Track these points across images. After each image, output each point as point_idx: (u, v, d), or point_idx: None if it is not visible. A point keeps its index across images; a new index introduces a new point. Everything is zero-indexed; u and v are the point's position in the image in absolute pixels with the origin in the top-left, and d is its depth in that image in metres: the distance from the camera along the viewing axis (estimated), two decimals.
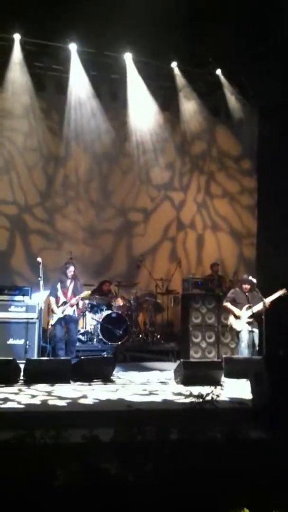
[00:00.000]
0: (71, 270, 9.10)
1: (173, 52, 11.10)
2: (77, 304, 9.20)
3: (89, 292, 9.47)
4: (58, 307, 8.94)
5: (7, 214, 11.17)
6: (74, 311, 9.05)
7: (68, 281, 9.08)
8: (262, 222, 12.32)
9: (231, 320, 8.99)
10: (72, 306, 8.97)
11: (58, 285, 9.01)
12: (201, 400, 4.63)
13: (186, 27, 9.61)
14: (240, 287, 9.04)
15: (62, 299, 8.98)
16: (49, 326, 9.03)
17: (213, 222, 12.68)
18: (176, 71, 11.62)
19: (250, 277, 9.04)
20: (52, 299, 9.00)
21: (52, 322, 8.96)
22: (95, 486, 3.55)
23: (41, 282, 8.64)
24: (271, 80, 10.64)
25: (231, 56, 10.82)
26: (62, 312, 8.91)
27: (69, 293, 9.02)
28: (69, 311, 8.95)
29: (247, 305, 8.80)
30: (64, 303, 8.94)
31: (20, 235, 11.22)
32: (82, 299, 9.50)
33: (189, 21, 9.55)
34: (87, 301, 10.12)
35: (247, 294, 8.93)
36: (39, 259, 8.85)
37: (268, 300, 8.69)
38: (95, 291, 10.46)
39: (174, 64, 11.55)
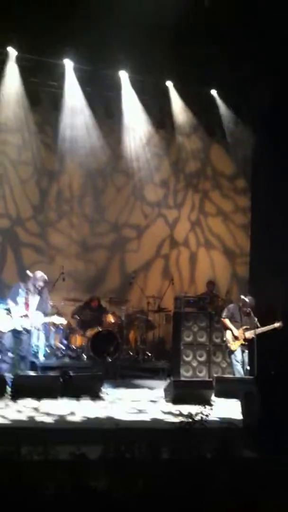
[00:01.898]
0: (41, 283, 8.38)
1: (168, 70, 11.17)
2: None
3: (65, 321, 8.97)
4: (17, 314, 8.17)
5: None
6: (31, 325, 8.33)
7: (35, 292, 8.35)
8: (255, 241, 12.31)
9: (228, 337, 8.94)
10: (34, 322, 8.28)
11: (22, 292, 8.21)
12: (190, 419, 4.58)
13: (181, 46, 9.71)
14: (239, 306, 9.00)
15: (22, 310, 8.18)
16: None
17: (207, 241, 12.68)
18: (171, 89, 11.68)
19: (250, 299, 8.97)
20: (12, 304, 8.24)
21: (3, 328, 8.23)
22: (83, 504, 3.49)
23: (24, 300, 8.20)
24: (266, 99, 10.75)
25: (226, 76, 10.93)
26: (20, 325, 8.16)
27: (33, 307, 8.27)
28: (26, 324, 8.20)
29: (244, 327, 8.79)
30: (25, 316, 8.16)
31: (12, 249, 11.15)
32: (54, 324, 9.14)
33: (185, 40, 9.64)
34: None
35: (244, 314, 8.90)
36: (28, 273, 8.63)
37: (261, 330, 8.74)
38: (84, 307, 10.37)
39: (169, 83, 11.62)
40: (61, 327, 9.93)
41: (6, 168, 11.16)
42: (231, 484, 3.86)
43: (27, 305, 8.20)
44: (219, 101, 12.03)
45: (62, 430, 5.87)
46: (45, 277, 8.55)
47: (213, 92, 11.91)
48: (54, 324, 9.85)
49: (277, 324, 8.82)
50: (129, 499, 3.57)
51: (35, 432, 5.66)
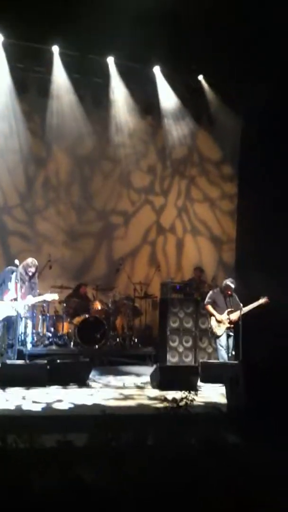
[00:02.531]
0: (33, 269, 8.49)
1: (155, 56, 11.11)
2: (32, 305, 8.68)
3: (57, 297, 8.99)
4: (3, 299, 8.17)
5: None
6: (24, 311, 8.42)
7: (26, 277, 8.44)
8: (241, 227, 12.40)
9: (212, 323, 9.03)
10: (26, 304, 8.36)
11: (13, 276, 8.22)
12: (175, 405, 4.64)
13: (169, 31, 9.65)
14: (221, 290, 9.09)
15: (12, 293, 8.16)
16: None
17: (193, 227, 12.73)
18: (159, 75, 11.64)
19: (233, 281, 9.08)
20: None
21: None
22: (70, 492, 3.54)
23: (18, 285, 8.26)
24: (255, 86, 10.75)
25: (214, 62, 10.89)
26: (14, 309, 8.13)
27: (23, 291, 8.31)
28: (20, 309, 8.24)
29: (228, 310, 8.86)
30: (15, 299, 8.15)
31: None
32: (46, 302, 9.18)
33: (173, 26, 9.60)
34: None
35: (227, 298, 8.99)
36: (16, 262, 8.64)
37: (247, 308, 8.80)
38: (71, 295, 10.42)
39: (156, 69, 11.58)
40: (48, 314, 10.01)
41: None
42: (217, 470, 3.93)
43: (17, 289, 8.19)
44: (206, 87, 12.01)
45: (49, 418, 5.93)
46: (36, 263, 8.68)
47: (200, 78, 11.90)
48: (42, 311, 9.92)
49: (262, 300, 8.87)
50: (116, 486, 3.63)
51: (22, 420, 5.71)
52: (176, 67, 11.49)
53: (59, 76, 10.99)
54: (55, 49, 10.72)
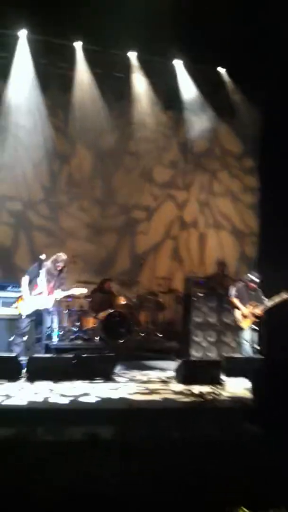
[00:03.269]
0: (61, 264, 8.46)
1: (176, 49, 11.07)
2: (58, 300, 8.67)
3: (85, 291, 8.99)
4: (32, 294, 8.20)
5: (11, 211, 11.20)
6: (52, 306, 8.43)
7: (55, 273, 8.43)
8: (264, 221, 12.33)
9: (237, 316, 9.03)
10: (55, 298, 8.35)
11: (42, 271, 8.23)
12: (201, 399, 4.68)
13: (189, 24, 9.62)
14: (245, 284, 9.08)
15: (40, 288, 8.18)
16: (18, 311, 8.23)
17: (216, 221, 12.70)
18: (180, 68, 11.61)
19: (257, 276, 9.05)
20: (26, 280, 8.27)
21: (22, 311, 8.21)
22: (98, 483, 3.60)
23: (45, 280, 8.27)
24: (276, 79, 10.66)
25: (235, 54, 10.82)
26: (41, 304, 8.14)
27: (52, 285, 8.32)
28: (48, 304, 8.27)
29: (252, 304, 8.85)
30: (42, 294, 8.17)
31: (24, 232, 11.25)
32: (73, 296, 9.20)
33: (193, 18, 9.56)
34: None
35: (251, 292, 8.98)
36: (42, 257, 8.48)
37: (271, 303, 8.75)
38: (96, 290, 10.50)
39: (177, 62, 11.54)
40: (74, 308, 10.11)
41: (18, 151, 11.20)
42: (241, 462, 3.96)
43: (46, 285, 8.22)
44: (227, 79, 11.95)
45: (76, 411, 6.01)
46: (64, 257, 8.60)
47: (222, 70, 11.84)
48: (67, 306, 10.01)
49: (285, 295, 8.79)
50: (142, 478, 3.67)
51: (50, 413, 5.80)
52: (197, 60, 11.42)
53: (82, 71, 11.05)
54: (78, 44, 10.78)
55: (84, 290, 8.97)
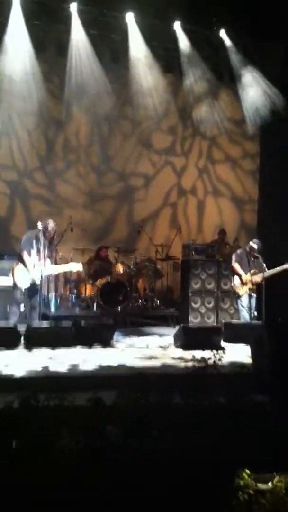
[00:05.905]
0: (52, 231, 8.14)
1: (176, 11, 10.76)
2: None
3: (81, 267, 8.66)
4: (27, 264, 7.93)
5: (6, 180, 11.04)
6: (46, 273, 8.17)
7: (46, 242, 8.05)
8: (263, 187, 12.20)
9: (236, 283, 9.01)
10: (50, 273, 8.24)
11: (34, 242, 7.92)
12: (203, 364, 4.64)
13: None
14: (246, 251, 9.03)
15: (34, 259, 7.92)
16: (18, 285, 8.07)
17: (214, 188, 12.58)
18: (179, 31, 11.29)
19: (258, 243, 8.99)
20: (27, 255, 7.95)
21: (21, 283, 8.01)
22: (99, 448, 3.58)
23: (35, 249, 7.95)
24: (277, 42, 10.42)
25: (236, 16, 10.52)
26: (40, 275, 7.88)
27: (44, 254, 7.99)
28: (43, 273, 7.96)
29: (252, 271, 8.82)
30: (38, 265, 7.90)
31: (20, 201, 11.11)
32: (68, 272, 9.05)
33: None
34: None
35: (252, 259, 8.93)
36: (39, 225, 8.48)
37: (271, 272, 8.72)
38: (93, 258, 10.43)
39: (177, 24, 11.22)
40: (71, 277, 10.04)
41: (12, 119, 10.95)
42: (244, 430, 3.95)
43: (39, 254, 7.98)
44: (228, 43, 11.63)
45: (77, 378, 6.00)
46: (53, 225, 8.25)
47: (222, 33, 11.52)
48: (64, 274, 9.90)
49: (286, 265, 8.79)
50: (143, 445, 3.66)
51: (51, 380, 5.78)
52: (197, 22, 11.11)
53: (78, 34, 10.67)
54: (73, 5, 10.43)
55: (80, 267, 8.56)
